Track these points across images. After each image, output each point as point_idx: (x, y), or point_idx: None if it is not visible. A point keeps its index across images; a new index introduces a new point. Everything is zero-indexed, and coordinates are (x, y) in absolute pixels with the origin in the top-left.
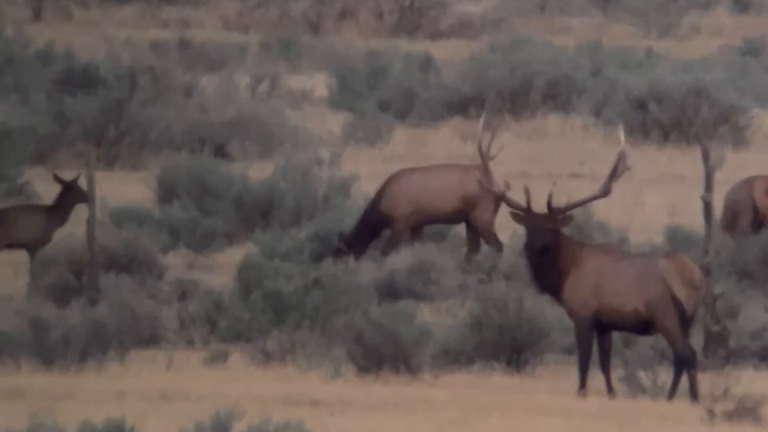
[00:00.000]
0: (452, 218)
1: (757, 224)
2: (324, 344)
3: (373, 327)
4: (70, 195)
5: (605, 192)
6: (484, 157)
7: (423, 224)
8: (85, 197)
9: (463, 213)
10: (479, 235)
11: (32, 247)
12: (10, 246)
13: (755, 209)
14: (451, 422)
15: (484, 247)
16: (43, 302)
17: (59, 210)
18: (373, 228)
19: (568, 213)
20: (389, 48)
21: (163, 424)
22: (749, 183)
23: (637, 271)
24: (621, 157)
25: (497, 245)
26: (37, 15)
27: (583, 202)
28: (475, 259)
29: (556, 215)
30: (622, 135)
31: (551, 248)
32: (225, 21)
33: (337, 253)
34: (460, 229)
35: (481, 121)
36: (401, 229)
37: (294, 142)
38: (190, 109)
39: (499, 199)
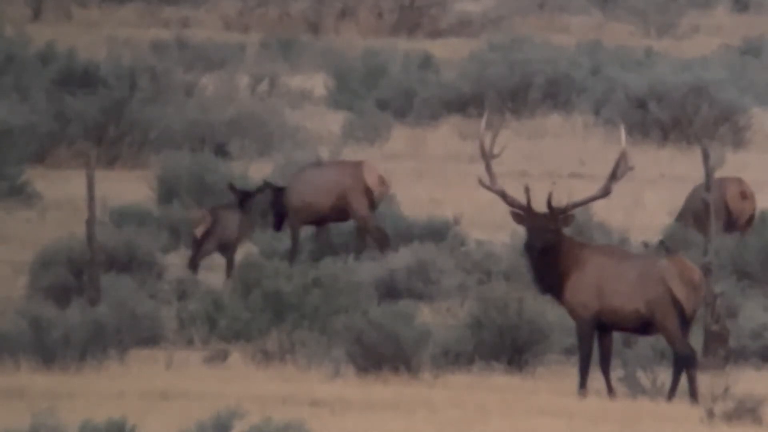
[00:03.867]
0: (334, 215)
1: (729, 226)
2: (324, 344)
3: (373, 327)
4: (247, 202)
5: (606, 192)
6: (486, 156)
7: (312, 222)
8: (248, 208)
9: (340, 209)
10: (362, 231)
11: (230, 247)
12: (219, 247)
13: (728, 212)
14: (451, 423)
15: (484, 247)
16: (43, 302)
17: (245, 213)
18: (277, 215)
19: (570, 213)
20: (388, 47)
21: (163, 424)
22: (721, 185)
23: (637, 272)
24: (622, 157)
25: (383, 239)
26: (37, 15)
27: (583, 203)
28: (476, 259)
29: (557, 215)
30: (623, 135)
31: (552, 249)
32: (225, 21)
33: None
34: (460, 229)
35: (483, 120)
36: (295, 223)
37: (293, 141)
38: (190, 109)
39: (371, 193)
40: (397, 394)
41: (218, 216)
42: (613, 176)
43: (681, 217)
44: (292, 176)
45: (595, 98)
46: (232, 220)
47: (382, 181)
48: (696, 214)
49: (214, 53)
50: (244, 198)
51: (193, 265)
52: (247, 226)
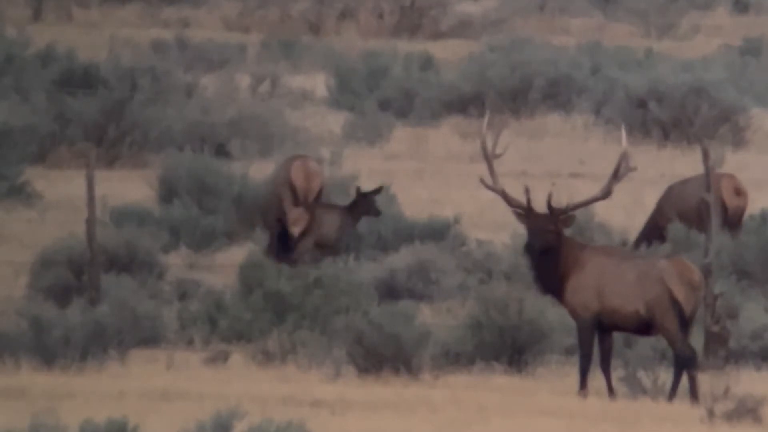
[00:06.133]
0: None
1: (724, 223)
2: (324, 344)
3: (374, 327)
4: (362, 204)
5: (606, 193)
6: (489, 157)
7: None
8: (375, 211)
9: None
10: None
11: (330, 246)
12: (317, 244)
13: (724, 209)
14: (451, 423)
15: (485, 247)
16: (43, 302)
17: (351, 214)
18: None
19: (570, 214)
20: (389, 48)
21: (163, 424)
22: (715, 182)
23: (637, 273)
24: (623, 158)
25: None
26: (37, 15)
27: (584, 204)
28: (476, 259)
29: (558, 216)
30: (624, 136)
31: (552, 249)
32: (225, 21)
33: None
34: (460, 228)
35: (485, 120)
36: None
37: (294, 142)
38: (190, 109)
39: (294, 188)
40: (397, 395)
41: (317, 215)
42: (615, 177)
43: (656, 217)
44: None
45: (596, 98)
46: (331, 220)
47: (309, 177)
48: (683, 213)
49: (215, 54)
50: (361, 199)
51: (293, 261)
52: (348, 226)
